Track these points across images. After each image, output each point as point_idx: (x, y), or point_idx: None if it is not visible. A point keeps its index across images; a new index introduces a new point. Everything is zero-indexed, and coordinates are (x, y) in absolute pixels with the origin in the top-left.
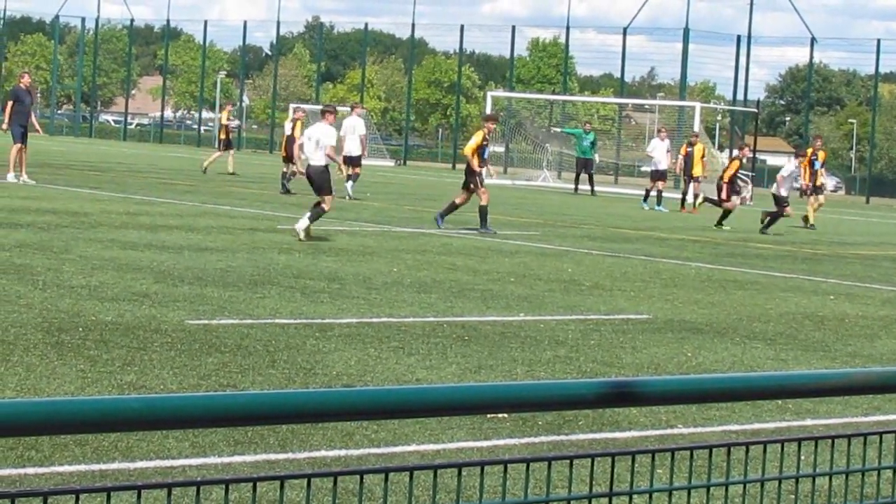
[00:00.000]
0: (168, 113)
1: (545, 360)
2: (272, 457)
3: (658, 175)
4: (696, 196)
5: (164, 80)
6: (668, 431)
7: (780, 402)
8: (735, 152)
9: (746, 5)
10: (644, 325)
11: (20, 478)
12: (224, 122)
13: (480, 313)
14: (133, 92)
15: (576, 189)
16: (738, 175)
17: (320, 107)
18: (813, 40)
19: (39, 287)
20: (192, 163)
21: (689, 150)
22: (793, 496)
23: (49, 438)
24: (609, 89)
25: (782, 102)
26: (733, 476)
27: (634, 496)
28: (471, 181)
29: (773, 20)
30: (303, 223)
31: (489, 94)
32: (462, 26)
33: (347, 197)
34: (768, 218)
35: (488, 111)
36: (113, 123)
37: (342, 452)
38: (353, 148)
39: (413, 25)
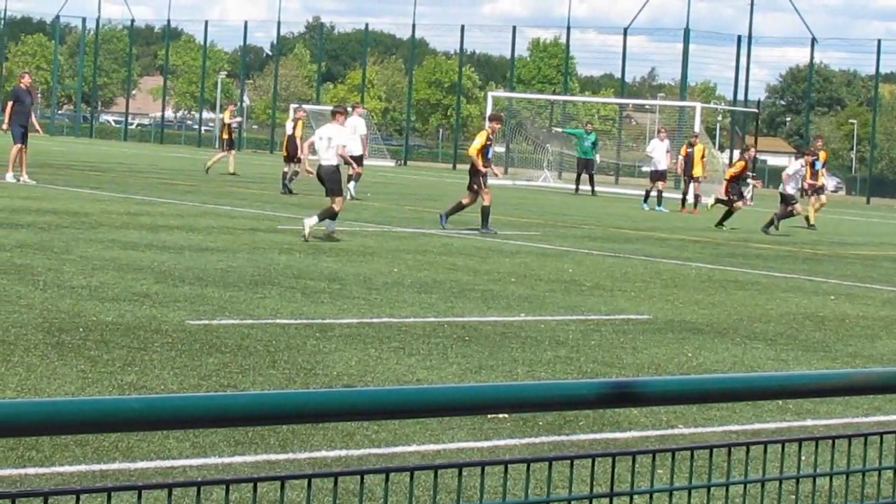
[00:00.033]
0: (169, 113)
1: (546, 361)
2: (273, 457)
3: (657, 175)
4: (696, 196)
5: (165, 80)
6: (669, 432)
7: (780, 402)
8: (740, 153)
9: (747, 5)
10: (645, 325)
11: (21, 478)
12: (227, 121)
13: (481, 313)
14: (134, 92)
15: (576, 189)
16: (746, 174)
17: (321, 107)
18: (813, 41)
19: (40, 287)
20: (192, 163)
21: (689, 150)
22: (793, 496)
23: (50, 439)
24: (610, 90)
25: (783, 103)
26: (734, 476)
27: (635, 496)
28: (474, 182)
29: (773, 20)
30: (311, 220)
31: (490, 94)
32: (462, 26)
33: (350, 196)
34: (772, 217)
35: (489, 111)
36: (113, 124)
37: (343, 453)
38: (354, 148)
39: (413, 26)
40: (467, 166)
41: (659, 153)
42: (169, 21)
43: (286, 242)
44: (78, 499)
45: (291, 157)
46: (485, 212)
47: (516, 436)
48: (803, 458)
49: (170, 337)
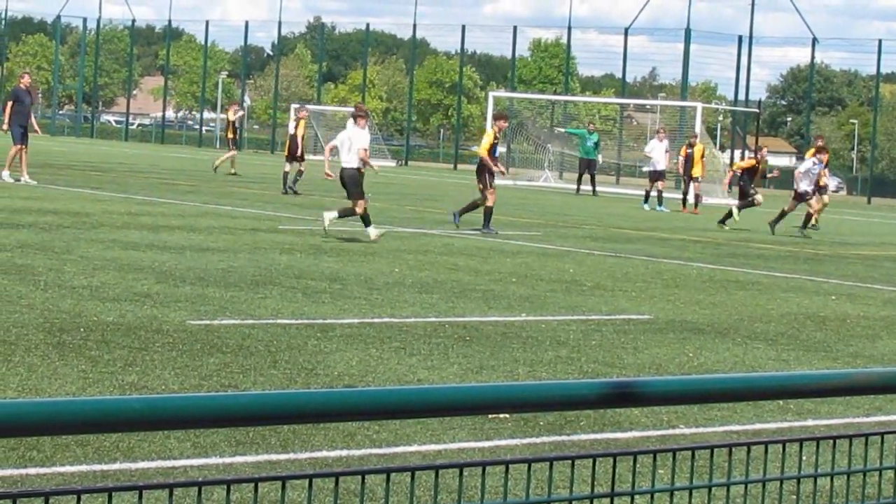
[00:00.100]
0: (169, 113)
1: (547, 361)
2: (274, 457)
3: (657, 175)
4: (696, 196)
5: (166, 80)
6: (670, 432)
7: (781, 402)
8: (753, 153)
9: (748, 6)
10: (645, 325)
11: (22, 478)
12: (231, 118)
13: (482, 314)
14: (134, 92)
15: (578, 189)
16: (766, 172)
17: (322, 107)
18: (814, 41)
19: (41, 287)
20: (193, 163)
21: (688, 150)
22: (794, 496)
23: (51, 439)
24: (610, 90)
25: (784, 103)
26: (735, 476)
27: (636, 496)
28: (479, 181)
29: (774, 20)
30: (331, 214)
31: (491, 94)
32: (463, 27)
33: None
34: (777, 215)
35: (490, 112)
36: (114, 124)
37: (344, 453)
38: None
39: (414, 26)
40: (468, 166)
41: (658, 153)
42: (170, 21)
43: (287, 242)
44: (79, 499)
45: (294, 156)
46: (487, 212)
47: (517, 436)
48: (804, 458)
49: (171, 337)
